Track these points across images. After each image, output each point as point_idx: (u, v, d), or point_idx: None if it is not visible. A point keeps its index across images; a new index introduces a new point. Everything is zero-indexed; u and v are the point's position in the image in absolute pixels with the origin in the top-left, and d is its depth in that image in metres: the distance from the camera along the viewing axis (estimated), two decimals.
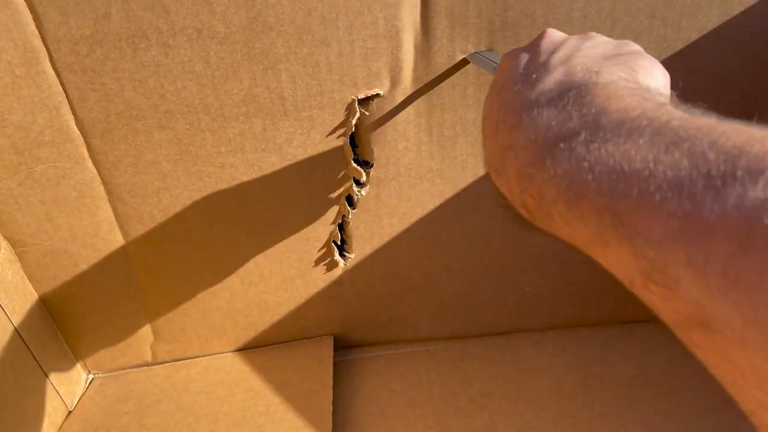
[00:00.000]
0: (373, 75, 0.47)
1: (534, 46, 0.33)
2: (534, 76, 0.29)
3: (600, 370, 0.61)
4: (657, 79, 0.29)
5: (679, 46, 0.49)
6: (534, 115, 0.26)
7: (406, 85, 0.48)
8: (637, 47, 0.31)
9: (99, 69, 0.44)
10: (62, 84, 0.45)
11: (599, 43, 0.31)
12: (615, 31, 0.48)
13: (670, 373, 0.61)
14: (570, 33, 0.46)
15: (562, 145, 0.23)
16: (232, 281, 0.59)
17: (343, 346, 0.67)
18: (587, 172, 0.21)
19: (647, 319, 0.67)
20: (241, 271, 0.58)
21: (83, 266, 0.55)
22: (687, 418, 0.56)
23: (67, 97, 0.46)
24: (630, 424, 0.55)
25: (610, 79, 0.26)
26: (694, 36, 0.49)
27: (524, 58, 0.32)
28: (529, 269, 0.61)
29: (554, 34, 0.34)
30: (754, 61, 0.51)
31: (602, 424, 0.56)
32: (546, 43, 0.32)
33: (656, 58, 0.49)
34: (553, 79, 0.28)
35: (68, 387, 0.60)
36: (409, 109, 0.49)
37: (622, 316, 0.66)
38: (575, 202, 0.22)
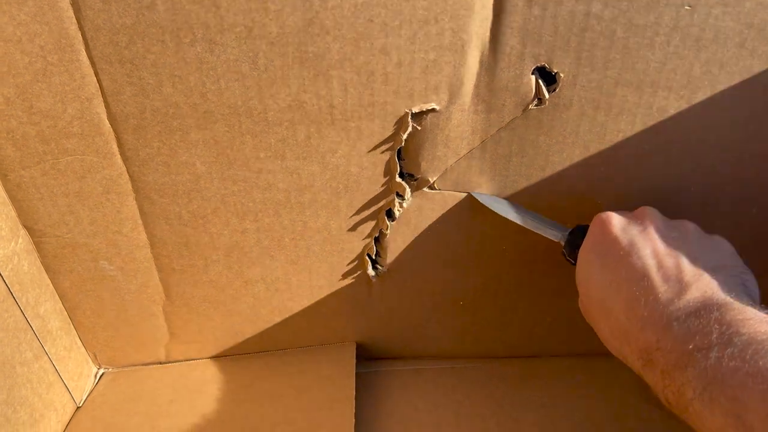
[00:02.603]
0: (431, 89, 0.43)
1: (645, 235, 0.38)
2: (675, 285, 0.34)
3: (635, 402, 0.58)
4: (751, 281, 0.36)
5: (766, 79, 0.45)
6: (682, 323, 0.32)
7: (465, 101, 0.44)
8: (719, 244, 0.39)
9: (138, 62, 0.41)
10: (97, 75, 0.41)
11: (701, 246, 0.37)
12: (699, 60, 0.44)
13: None
14: (650, 59, 0.43)
15: (698, 355, 0.29)
16: (257, 287, 0.56)
17: (365, 357, 0.65)
18: (719, 382, 0.27)
19: None
20: (268, 278, 0.55)
21: (103, 262, 0.52)
22: None
23: (101, 89, 0.42)
24: None
25: (745, 305, 0.31)
26: None
27: (643, 245, 0.37)
28: (567, 293, 0.58)
29: (658, 221, 0.39)
30: None
31: None
32: (658, 238, 0.38)
33: (739, 88, 0.47)
34: (693, 295, 0.33)
35: (77, 381, 0.58)
36: (465, 126, 0.46)
37: None
38: (708, 403, 0.28)
